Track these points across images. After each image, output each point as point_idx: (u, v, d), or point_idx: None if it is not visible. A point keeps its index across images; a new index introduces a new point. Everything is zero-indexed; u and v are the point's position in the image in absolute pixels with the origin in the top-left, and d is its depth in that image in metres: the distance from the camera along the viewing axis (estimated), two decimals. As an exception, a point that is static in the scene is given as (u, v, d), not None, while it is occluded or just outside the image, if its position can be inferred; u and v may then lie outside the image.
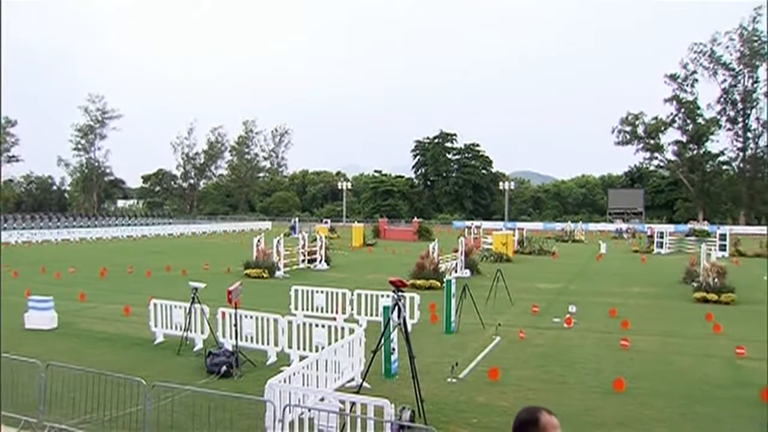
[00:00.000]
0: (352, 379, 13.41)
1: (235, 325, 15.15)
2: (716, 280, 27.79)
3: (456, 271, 34.08)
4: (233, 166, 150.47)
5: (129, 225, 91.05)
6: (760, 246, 54.35)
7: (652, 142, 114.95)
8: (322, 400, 10.28)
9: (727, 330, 20.79)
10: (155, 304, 18.03)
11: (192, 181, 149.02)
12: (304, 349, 14.86)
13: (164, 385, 11.06)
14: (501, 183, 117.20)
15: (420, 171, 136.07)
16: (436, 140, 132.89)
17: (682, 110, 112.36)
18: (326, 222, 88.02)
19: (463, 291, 20.67)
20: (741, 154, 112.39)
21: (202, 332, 16.93)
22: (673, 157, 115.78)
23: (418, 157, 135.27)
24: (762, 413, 12.62)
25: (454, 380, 14.20)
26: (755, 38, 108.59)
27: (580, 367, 15.86)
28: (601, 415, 12.36)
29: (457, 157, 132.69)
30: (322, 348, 13.49)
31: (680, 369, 16.04)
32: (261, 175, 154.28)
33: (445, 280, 21.62)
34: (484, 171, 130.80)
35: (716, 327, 21.09)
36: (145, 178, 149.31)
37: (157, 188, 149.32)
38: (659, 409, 12.71)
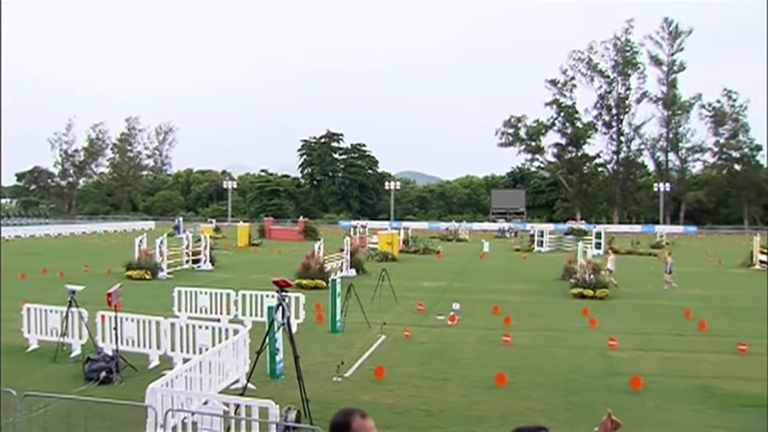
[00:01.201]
0: (237, 381, 13.25)
1: (115, 329, 14.69)
2: (592, 276, 29.02)
3: (341, 271, 34.16)
4: (115, 164, 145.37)
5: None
6: (632, 244, 57.10)
7: (533, 144, 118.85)
8: (205, 403, 10.10)
9: (601, 323, 21.77)
10: (29, 309, 17.20)
11: (71, 180, 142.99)
12: (188, 351, 14.56)
13: (37, 394, 10.52)
14: (387, 183, 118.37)
15: (306, 170, 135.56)
16: (323, 140, 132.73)
17: (562, 114, 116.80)
18: (211, 222, 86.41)
19: (349, 290, 20.76)
20: (615, 156, 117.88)
21: (80, 337, 16.30)
22: (553, 159, 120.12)
23: (304, 156, 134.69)
24: (631, 400, 13.32)
25: (339, 379, 14.26)
26: (627, 49, 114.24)
27: (464, 364, 16.23)
28: (483, 409, 12.70)
29: (343, 156, 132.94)
30: (206, 350, 13.26)
31: (558, 361, 16.70)
32: (144, 173, 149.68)
33: (330, 279, 21.66)
34: (370, 171, 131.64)
35: (591, 321, 22.06)
36: (19, 176, 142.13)
37: (33, 187, 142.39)
38: (538, 401, 13.20)
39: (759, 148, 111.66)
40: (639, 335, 20.36)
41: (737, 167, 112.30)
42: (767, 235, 51.71)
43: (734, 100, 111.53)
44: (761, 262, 42.94)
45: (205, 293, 20.52)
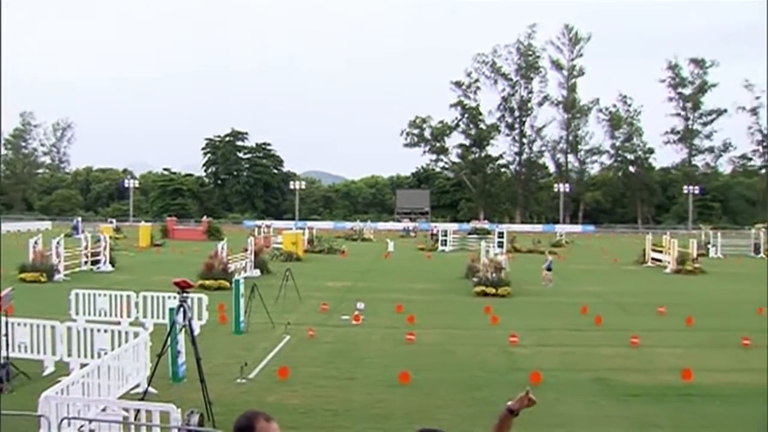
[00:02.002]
0: (138, 385, 12.93)
1: (6, 335, 14.06)
2: (494, 275, 29.63)
3: (245, 271, 33.77)
4: (8, 162, 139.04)
5: None
6: (533, 242, 58.60)
7: (438, 144, 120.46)
8: (103, 410, 9.82)
9: (503, 321, 22.25)
10: None
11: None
12: (86, 356, 14.07)
13: None
14: (292, 182, 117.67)
15: (210, 169, 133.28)
16: (227, 139, 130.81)
17: (466, 115, 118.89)
18: (111, 222, 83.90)
19: (252, 290, 20.55)
20: (517, 157, 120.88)
21: (-32, 343, 15.54)
22: (457, 160, 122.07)
23: (208, 155, 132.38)
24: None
25: (243, 381, 14.10)
26: (530, 53, 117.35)
27: (368, 363, 16.32)
28: (388, 407, 12.80)
29: (248, 156, 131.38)
30: (105, 354, 12.88)
31: (461, 358, 17.00)
32: (40, 171, 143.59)
33: (234, 280, 21.40)
34: (275, 170, 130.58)
35: (494, 318, 22.52)
36: None
37: None
38: (442, 398, 13.41)
39: (651, 151, 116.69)
40: (539, 331, 20.93)
41: (632, 169, 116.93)
42: (660, 234, 53.88)
43: (629, 105, 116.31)
44: (653, 259, 44.81)
45: (105, 295, 19.92)
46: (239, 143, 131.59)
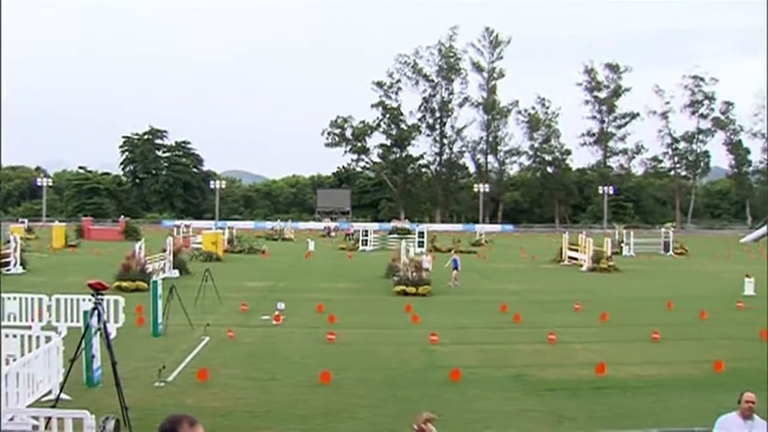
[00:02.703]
0: (50, 392, 12.51)
1: None
2: (414, 274, 29.85)
3: (164, 272, 33.12)
4: None
5: None
6: (453, 242, 59.21)
7: (359, 144, 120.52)
8: (12, 419, 9.47)
9: (424, 319, 22.44)
10: None
11: None
12: (-7, 362, 13.55)
13: None
14: (212, 181, 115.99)
15: (128, 168, 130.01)
16: (146, 137, 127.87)
17: (387, 116, 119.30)
18: (22, 222, 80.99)
19: (171, 292, 20.18)
20: (438, 158, 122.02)
21: None
22: (378, 160, 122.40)
23: (126, 153, 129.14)
24: (452, 391, 13.89)
25: (161, 384, 13.83)
26: (451, 55, 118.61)
27: (289, 363, 16.23)
28: (308, 407, 12.76)
29: (167, 154, 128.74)
30: (14, 360, 12.41)
31: (382, 358, 17.07)
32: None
33: (151, 281, 20.97)
34: (195, 169, 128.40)
35: (414, 317, 22.71)
36: None
37: None
38: (363, 397, 13.44)
39: (569, 152, 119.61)
40: (459, 329, 21.21)
41: (550, 170, 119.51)
42: (576, 233, 55.22)
43: (547, 108, 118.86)
44: (570, 258, 45.90)
45: (14, 299, 19.20)
46: (158, 141, 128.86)
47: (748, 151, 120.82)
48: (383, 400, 13.34)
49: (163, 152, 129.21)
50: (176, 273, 34.51)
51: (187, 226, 64.32)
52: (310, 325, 21.33)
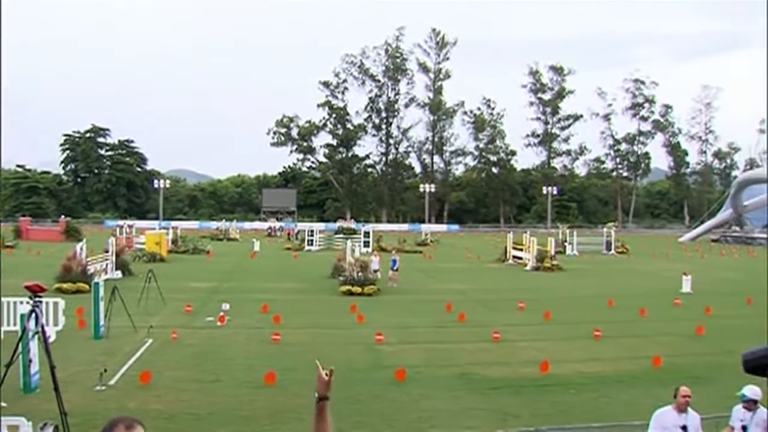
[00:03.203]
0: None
1: None
2: (360, 273, 29.88)
3: (106, 273, 32.51)
4: None
5: None
6: (399, 242, 59.39)
7: (305, 144, 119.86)
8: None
9: (369, 319, 22.49)
10: None
11: None
12: None
13: None
14: (156, 181, 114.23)
15: (69, 167, 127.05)
16: (88, 135, 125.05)
17: (334, 115, 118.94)
18: (-44, 222, 78.66)
19: (113, 293, 19.83)
20: (384, 158, 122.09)
21: None
22: (324, 159, 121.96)
23: (67, 152, 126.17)
24: (397, 390, 13.95)
25: (103, 388, 13.58)
26: (398, 55, 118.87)
27: (233, 364, 16.10)
28: (253, 408, 12.68)
29: (110, 153, 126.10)
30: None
31: (327, 358, 16.83)
32: None
33: (93, 282, 20.58)
34: (138, 168, 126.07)
35: (360, 317, 22.74)
36: None
37: None
38: (308, 398, 13.17)
39: (513, 153, 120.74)
40: (404, 329, 21.31)
41: (495, 170, 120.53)
42: (520, 233, 55.87)
43: (493, 109, 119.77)
44: (514, 257, 46.45)
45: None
46: (100, 140, 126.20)
47: (686, 153, 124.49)
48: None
49: (106, 151, 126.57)
50: (119, 274, 33.92)
51: (130, 226, 63.13)
52: (255, 326, 21.19)
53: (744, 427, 8.41)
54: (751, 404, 8.38)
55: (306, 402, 12.93)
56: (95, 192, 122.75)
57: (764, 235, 78.98)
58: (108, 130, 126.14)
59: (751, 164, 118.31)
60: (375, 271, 31.48)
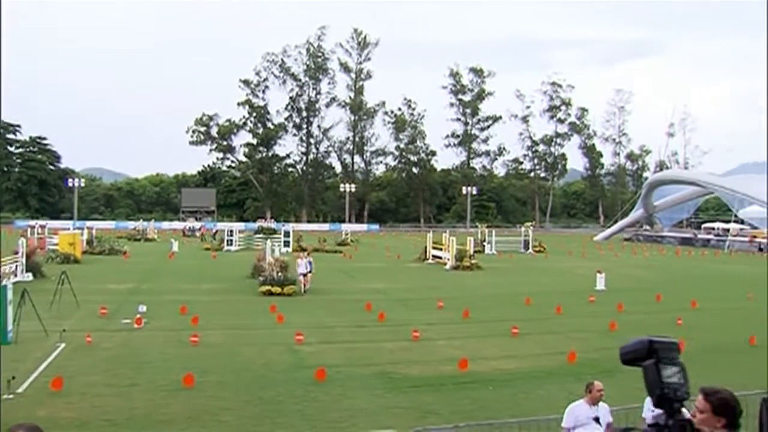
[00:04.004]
0: None
1: None
2: (280, 273, 29.69)
3: (15, 275, 31.41)
4: None
5: None
6: (319, 241, 59.28)
7: (225, 143, 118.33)
8: None
9: (289, 319, 22.39)
10: None
11: None
12: None
13: None
14: (70, 179, 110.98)
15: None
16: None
17: (254, 114, 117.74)
18: None
19: (23, 296, 19.16)
20: (304, 157, 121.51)
21: None
22: (244, 159, 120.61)
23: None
24: (318, 390, 13.93)
25: (10, 396, 13.10)
26: (319, 55, 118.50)
27: (150, 367, 15.78)
28: (171, 412, 12.47)
29: (20, 150, 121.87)
30: None
31: (247, 359, 16.88)
32: None
33: (1, 285, 19.84)
34: (51, 166, 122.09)
35: (279, 317, 22.62)
36: None
37: None
38: (227, 399, 13.26)
39: (434, 153, 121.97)
40: (325, 329, 21.30)
41: (415, 170, 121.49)
42: (440, 232, 56.45)
43: (413, 109, 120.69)
44: (434, 256, 46.88)
45: None
46: (10, 136, 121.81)
47: (600, 155, 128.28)
48: (248, 402, 13.21)
49: (16, 148, 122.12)
50: (29, 276, 32.81)
51: (42, 227, 61.06)
52: (173, 328, 20.82)
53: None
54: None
55: (224, 404, 12.90)
56: (5, 191, 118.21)
57: (673, 234, 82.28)
58: (18, 126, 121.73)
59: (661, 166, 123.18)
60: (304, 275, 30.27)
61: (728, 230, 75.63)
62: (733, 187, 70.79)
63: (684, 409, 3.18)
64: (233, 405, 12.91)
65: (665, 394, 3.12)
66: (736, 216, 74.06)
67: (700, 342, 19.58)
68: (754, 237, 69.00)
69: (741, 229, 74.82)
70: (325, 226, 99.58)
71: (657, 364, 3.16)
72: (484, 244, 58.41)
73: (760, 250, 63.95)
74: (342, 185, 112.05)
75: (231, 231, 59.97)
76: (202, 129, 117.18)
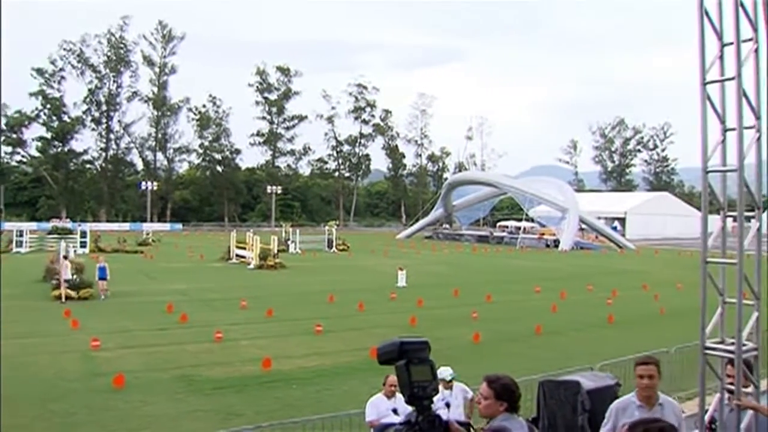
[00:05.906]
0: None
1: None
2: (76, 276, 28.22)
3: None
4: None
5: None
6: (119, 242, 56.84)
7: (14, 136, 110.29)
8: None
9: (85, 324, 21.36)
10: None
11: None
12: None
13: None
14: None
15: None
16: None
17: (48, 106, 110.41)
18: None
19: None
20: (104, 153, 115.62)
21: None
22: (37, 154, 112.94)
23: None
24: (116, 398, 13.41)
25: None
26: (121, 46, 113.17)
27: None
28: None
29: None
30: None
31: (37, 370, 15.91)
32: None
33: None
34: None
35: (74, 322, 21.49)
36: None
37: None
38: (12, 415, 12.23)
39: (238, 151, 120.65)
40: (123, 333, 20.51)
41: (219, 169, 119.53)
42: (244, 231, 55.95)
43: (219, 107, 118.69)
44: (237, 256, 46.41)
45: None
46: None
47: (403, 156, 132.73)
48: (37, 416, 12.44)
49: None
50: None
51: None
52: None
53: (447, 404, 9.59)
54: (447, 383, 9.76)
55: (9, 422, 12.06)
56: None
57: (471, 232, 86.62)
58: None
59: (460, 167, 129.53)
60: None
61: (520, 228, 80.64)
62: (525, 188, 76.14)
63: (433, 405, 3.39)
64: (20, 422, 12.05)
65: (415, 393, 3.27)
66: (527, 215, 79.18)
67: (493, 333, 20.97)
68: (542, 234, 74.11)
69: (531, 227, 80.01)
70: (126, 226, 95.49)
71: (408, 364, 3.31)
72: (288, 243, 58.54)
73: (547, 246, 68.82)
74: (143, 183, 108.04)
75: (21, 231, 56.04)
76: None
